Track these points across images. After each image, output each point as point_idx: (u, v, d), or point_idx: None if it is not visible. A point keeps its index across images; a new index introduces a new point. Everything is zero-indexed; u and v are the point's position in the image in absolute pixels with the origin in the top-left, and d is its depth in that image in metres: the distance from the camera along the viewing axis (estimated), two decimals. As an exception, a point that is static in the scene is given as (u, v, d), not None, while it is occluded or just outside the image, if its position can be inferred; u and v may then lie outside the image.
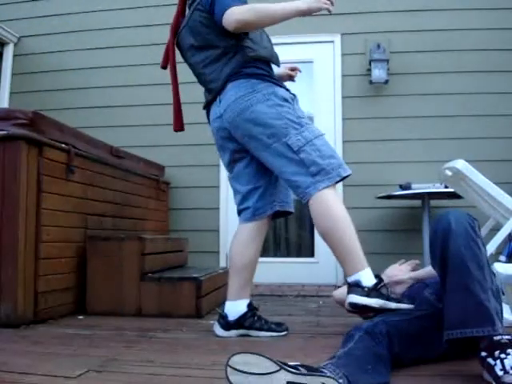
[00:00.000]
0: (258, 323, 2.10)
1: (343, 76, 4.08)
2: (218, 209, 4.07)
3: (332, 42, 4.13)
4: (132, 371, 1.53)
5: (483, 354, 1.32)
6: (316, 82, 4.17)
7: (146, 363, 1.63)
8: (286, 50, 4.17)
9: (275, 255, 4.20)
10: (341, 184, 3.98)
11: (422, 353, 1.54)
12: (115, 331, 2.20)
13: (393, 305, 1.81)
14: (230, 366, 1.20)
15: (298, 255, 4.18)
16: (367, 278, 1.88)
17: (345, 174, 2.01)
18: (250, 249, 2.16)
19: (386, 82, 3.93)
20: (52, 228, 2.44)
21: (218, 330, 2.08)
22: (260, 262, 4.35)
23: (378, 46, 3.92)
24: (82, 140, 2.81)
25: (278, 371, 1.16)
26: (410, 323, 1.56)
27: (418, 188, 3.34)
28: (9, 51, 4.49)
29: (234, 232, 4.40)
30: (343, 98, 4.06)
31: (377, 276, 1.91)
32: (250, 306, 2.13)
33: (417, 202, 3.66)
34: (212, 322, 2.19)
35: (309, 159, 1.94)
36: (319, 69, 4.17)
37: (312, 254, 4.07)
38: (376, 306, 1.84)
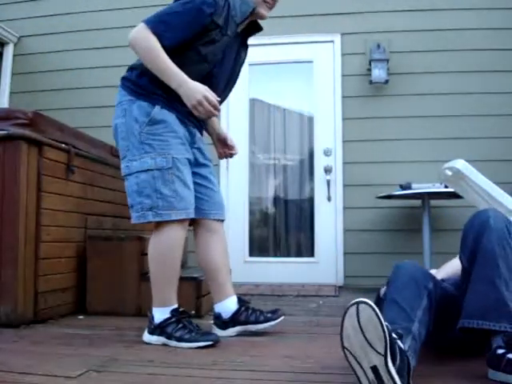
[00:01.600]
0: (253, 316, 2.08)
1: (343, 76, 4.08)
2: (217, 209, 4.06)
3: (332, 41, 4.13)
4: (132, 371, 1.53)
5: (500, 351, 1.33)
6: (316, 81, 4.17)
7: (146, 363, 1.63)
8: (286, 50, 4.18)
9: (275, 255, 4.20)
10: (341, 183, 4.00)
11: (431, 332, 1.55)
12: (115, 331, 2.20)
13: (172, 343, 1.89)
14: (358, 310, 1.19)
15: (298, 255, 4.17)
16: (159, 315, 1.94)
17: (152, 219, 1.90)
18: (211, 253, 2.13)
19: (386, 81, 3.93)
20: (52, 228, 2.44)
21: (217, 331, 2.08)
22: (260, 261, 4.36)
23: (378, 46, 3.92)
24: (82, 140, 2.81)
25: (379, 354, 1.16)
26: (443, 298, 1.55)
27: (418, 188, 3.34)
28: (9, 51, 4.49)
29: (233, 232, 4.39)
30: (343, 97, 4.06)
31: (174, 310, 1.94)
32: (240, 301, 2.13)
33: (417, 202, 3.66)
34: (212, 321, 2.19)
35: (128, 190, 1.95)
36: (319, 69, 4.17)
37: (312, 254, 4.07)
38: (158, 343, 1.92)
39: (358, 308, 1.19)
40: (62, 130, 2.61)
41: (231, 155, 2.34)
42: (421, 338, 1.36)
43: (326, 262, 4.00)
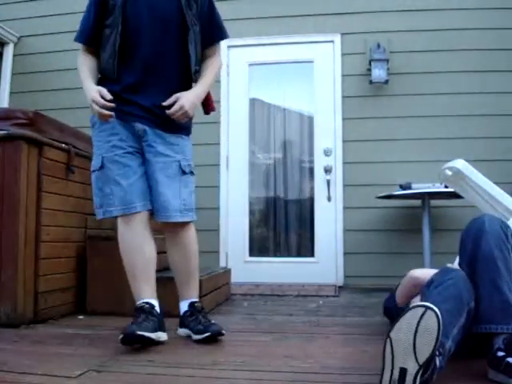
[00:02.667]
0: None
1: (343, 76, 4.08)
2: (217, 209, 4.06)
3: (332, 41, 4.13)
4: (132, 371, 1.53)
5: (500, 353, 1.33)
6: (316, 81, 4.17)
7: (146, 363, 1.63)
8: (286, 50, 4.18)
9: (275, 255, 4.20)
10: (341, 183, 3.99)
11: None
12: (115, 331, 2.18)
13: (152, 335, 1.82)
14: (424, 314, 1.18)
15: (298, 255, 4.17)
16: None
17: (98, 217, 2.09)
18: (168, 256, 2.28)
19: (386, 81, 3.93)
20: (52, 228, 2.44)
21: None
22: (260, 261, 4.36)
23: (378, 46, 3.92)
24: (82, 140, 2.81)
25: (417, 362, 1.16)
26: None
27: (418, 188, 3.34)
28: (9, 51, 4.48)
29: (233, 232, 4.38)
30: (343, 97, 4.06)
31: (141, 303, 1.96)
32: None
33: (417, 202, 3.66)
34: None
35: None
36: (319, 69, 4.16)
37: (312, 254, 4.07)
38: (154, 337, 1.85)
39: (425, 312, 1.18)
40: (62, 130, 2.61)
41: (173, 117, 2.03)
42: (449, 354, 1.35)
43: (325, 261, 4.00)
